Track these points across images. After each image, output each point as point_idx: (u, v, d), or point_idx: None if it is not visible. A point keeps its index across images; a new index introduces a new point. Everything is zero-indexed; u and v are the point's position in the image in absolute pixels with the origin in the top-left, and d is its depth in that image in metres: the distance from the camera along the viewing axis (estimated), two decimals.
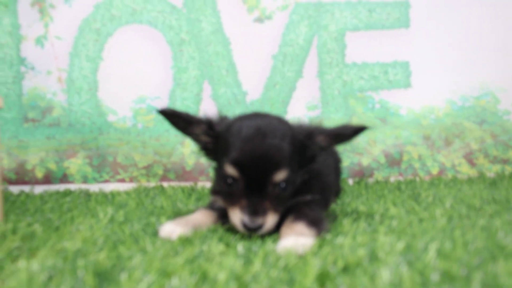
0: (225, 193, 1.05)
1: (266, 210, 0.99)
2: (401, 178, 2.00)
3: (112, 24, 1.97)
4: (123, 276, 0.71)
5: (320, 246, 0.89)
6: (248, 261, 0.79)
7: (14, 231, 1.12)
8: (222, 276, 0.70)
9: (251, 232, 0.99)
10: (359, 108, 2.02)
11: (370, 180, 1.98)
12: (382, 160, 2.01)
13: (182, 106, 1.96)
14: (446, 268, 0.70)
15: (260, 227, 0.98)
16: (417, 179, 1.99)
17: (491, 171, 2.04)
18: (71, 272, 0.73)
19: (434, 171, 2.02)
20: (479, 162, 2.04)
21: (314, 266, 0.73)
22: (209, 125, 1.10)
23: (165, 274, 0.73)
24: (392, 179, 1.99)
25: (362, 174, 2.02)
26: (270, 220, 1.00)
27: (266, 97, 1.99)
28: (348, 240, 0.91)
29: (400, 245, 0.83)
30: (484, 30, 2.05)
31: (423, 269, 0.70)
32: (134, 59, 1.98)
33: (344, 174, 2.00)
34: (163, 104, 1.97)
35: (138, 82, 1.98)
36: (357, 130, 1.08)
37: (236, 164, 0.98)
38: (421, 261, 0.74)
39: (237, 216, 1.00)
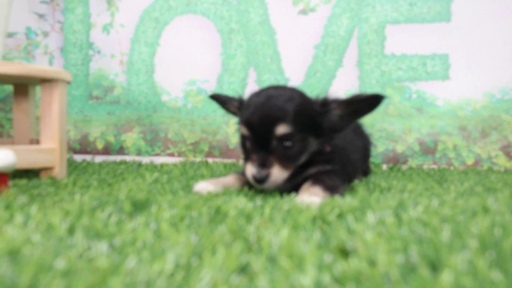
0: (244, 153, 1.20)
1: (272, 163, 1.11)
2: (435, 166, 2.06)
3: (169, 14, 2.17)
4: (154, 208, 0.88)
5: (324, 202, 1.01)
6: (258, 207, 0.93)
7: (74, 183, 1.33)
8: (232, 212, 0.85)
9: (259, 183, 1.11)
10: (396, 97, 2.09)
11: (404, 167, 2.05)
12: (417, 148, 2.08)
13: (228, 89, 2.13)
14: (426, 219, 0.81)
15: (266, 177, 1.10)
16: (451, 168, 2.04)
17: None
18: (113, 203, 0.91)
19: (469, 161, 2.06)
20: None
21: (312, 211, 0.86)
22: (239, 101, 1.29)
23: (187, 208, 0.89)
24: (425, 166, 2.05)
25: (396, 161, 2.09)
26: (276, 172, 1.11)
27: (307, 84, 2.11)
28: (352, 199, 1.02)
29: (393, 202, 0.94)
30: None
31: (406, 218, 0.81)
32: (187, 46, 2.17)
33: (378, 160, 2.09)
34: (212, 87, 2.15)
35: (190, 66, 2.17)
36: (370, 97, 1.14)
37: (246, 123, 1.13)
38: (407, 212, 0.85)
39: (248, 170, 1.13)
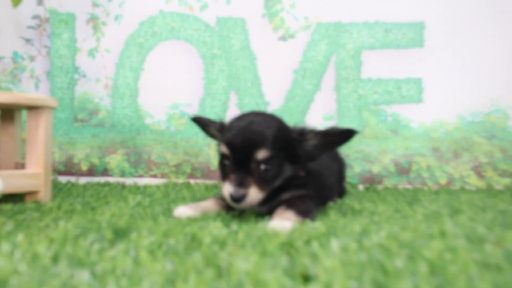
0: (222, 173, 1.25)
1: (249, 184, 1.17)
2: (409, 186, 2.14)
3: (153, 39, 2.24)
4: (134, 235, 0.94)
5: (294, 228, 1.08)
6: (233, 232, 1.00)
7: (59, 207, 1.38)
8: (207, 239, 0.91)
9: (236, 202, 1.17)
10: (372, 120, 2.18)
11: (380, 187, 2.13)
12: (392, 168, 2.16)
13: (210, 112, 2.20)
14: (387, 244, 0.87)
15: (243, 197, 1.16)
16: (425, 187, 2.12)
17: (500, 184, 2.13)
18: (96, 230, 0.96)
19: (443, 181, 2.15)
20: (488, 175, 2.14)
21: (281, 237, 0.92)
22: (220, 124, 1.35)
23: (165, 235, 0.94)
24: (400, 186, 2.13)
25: (372, 181, 2.17)
26: (253, 193, 1.17)
27: (287, 107, 2.19)
28: (321, 225, 1.09)
29: (358, 228, 1.01)
30: (496, 50, 2.15)
31: (368, 244, 0.88)
32: (170, 70, 2.24)
33: (355, 180, 2.16)
34: (194, 110, 2.22)
35: (173, 90, 2.24)
36: (344, 131, 1.24)
37: (228, 143, 1.19)
38: (370, 238, 0.92)
39: (226, 189, 1.19)
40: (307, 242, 0.92)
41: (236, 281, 0.68)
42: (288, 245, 0.90)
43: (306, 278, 0.71)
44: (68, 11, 2.25)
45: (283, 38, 2.22)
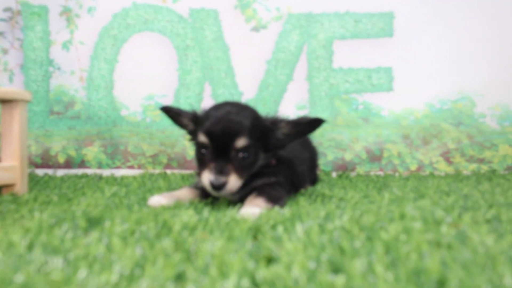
0: (199, 162, 1.28)
1: (229, 171, 1.21)
2: (381, 173, 2.20)
3: (127, 31, 2.26)
4: (107, 223, 0.97)
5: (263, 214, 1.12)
6: (203, 219, 1.04)
7: (35, 199, 1.40)
8: (177, 226, 0.95)
9: (217, 190, 1.20)
10: (344, 108, 2.24)
11: (353, 174, 2.19)
12: (364, 155, 2.23)
13: (185, 103, 2.23)
14: (348, 227, 0.92)
15: (223, 184, 1.20)
16: (396, 174, 2.19)
17: (468, 169, 2.22)
18: (70, 220, 1.00)
19: (413, 167, 2.22)
20: (456, 161, 2.23)
21: (249, 223, 0.97)
22: (193, 114, 1.38)
23: (138, 223, 0.98)
24: (372, 173, 2.20)
25: (345, 168, 2.23)
26: (233, 180, 1.21)
27: (260, 97, 2.23)
28: (288, 210, 1.14)
29: (323, 213, 1.06)
30: (463, 40, 2.22)
31: (330, 227, 0.93)
32: (145, 62, 2.25)
33: (329, 168, 2.22)
34: (169, 101, 2.24)
35: (148, 82, 2.26)
36: (313, 120, 1.30)
37: (207, 133, 1.22)
38: (332, 223, 0.97)
39: (206, 177, 1.22)
40: (273, 226, 0.97)
41: (202, 263, 0.72)
42: (255, 230, 0.94)
43: (269, 260, 0.76)
44: (41, 4, 2.25)
45: (256, 29, 2.25)
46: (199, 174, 1.41)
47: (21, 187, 1.54)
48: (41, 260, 0.73)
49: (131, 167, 2.24)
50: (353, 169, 2.23)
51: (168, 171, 2.21)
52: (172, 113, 1.43)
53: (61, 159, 2.24)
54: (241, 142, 1.22)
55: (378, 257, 0.72)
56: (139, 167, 2.24)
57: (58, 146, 2.24)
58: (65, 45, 2.25)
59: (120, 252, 0.78)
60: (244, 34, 2.25)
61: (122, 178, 2.00)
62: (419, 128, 2.23)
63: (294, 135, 1.35)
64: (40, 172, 2.19)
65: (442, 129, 2.23)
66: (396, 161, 2.22)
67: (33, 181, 1.86)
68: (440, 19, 2.23)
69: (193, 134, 1.40)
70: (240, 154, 1.23)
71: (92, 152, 2.23)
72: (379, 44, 2.24)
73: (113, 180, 1.94)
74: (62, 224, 0.96)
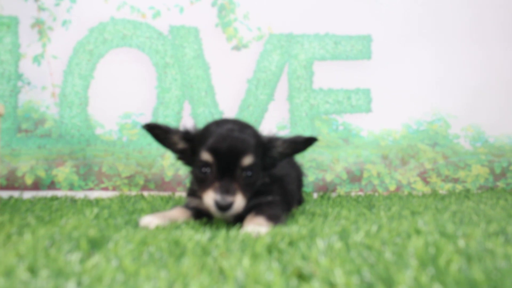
0: (200, 182, 1.21)
1: (236, 190, 1.15)
2: (361, 193, 2.20)
3: (104, 47, 2.17)
4: (110, 244, 0.89)
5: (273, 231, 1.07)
6: (212, 237, 0.97)
7: (11, 221, 1.28)
8: (190, 244, 0.88)
9: (223, 211, 1.14)
10: (324, 129, 2.23)
11: (333, 195, 2.17)
12: (344, 176, 2.22)
13: (164, 122, 2.11)
14: (369, 243, 0.89)
15: (230, 205, 1.14)
16: (376, 194, 2.19)
17: (443, 189, 2.25)
18: (68, 240, 0.90)
19: (392, 187, 2.23)
20: (432, 181, 2.26)
21: (265, 239, 0.91)
22: (185, 131, 1.31)
23: (143, 243, 0.90)
24: (353, 193, 2.19)
25: (325, 189, 2.21)
26: (239, 200, 1.16)
27: (241, 117, 2.18)
28: (301, 227, 1.09)
29: (337, 228, 1.02)
30: (437, 63, 2.30)
31: (351, 243, 0.89)
32: (122, 79, 2.17)
33: (309, 188, 2.20)
34: (147, 120, 2.16)
35: (125, 99, 2.17)
36: (308, 139, 1.30)
37: (211, 150, 1.16)
38: (351, 238, 0.93)
39: (210, 197, 1.16)
40: (291, 243, 0.92)
41: (237, 284, 0.66)
42: (273, 248, 0.89)
43: (302, 277, 0.71)
44: (10, 14, 2.13)
45: (237, 48, 2.23)
46: (192, 194, 1.35)
47: None
48: (51, 285, 0.65)
49: (105, 188, 2.12)
50: (333, 190, 2.21)
51: (145, 193, 2.11)
52: (159, 130, 1.33)
53: (29, 181, 2.09)
54: (247, 160, 1.17)
55: (416, 269, 0.69)
56: (114, 188, 2.13)
57: (26, 166, 2.09)
58: (37, 59, 2.13)
59: (134, 274, 0.70)
60: (225, 52, 2.22)
61: (97, 200, 1.88)
62: (397, 149, 2.25)
63: (287, 154, 1.33)
64: (4, 194, 2.03)
65: (419, 150, 2.26)
66: (376, 181, 2.23)
67: None
68: (415, 43, 2.29)
69: (183, 153, 1.34)
70: (245, 173, 1.18)
71: (63, 172, 2.10)
72: (358, 66, 2.27)
73: (88, 202, 1.82)
74: (61, 245, 0.87)
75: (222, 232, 1.01)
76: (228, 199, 1.14)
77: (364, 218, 1.38)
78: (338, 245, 0.86)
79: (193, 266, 0.74)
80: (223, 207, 1.14)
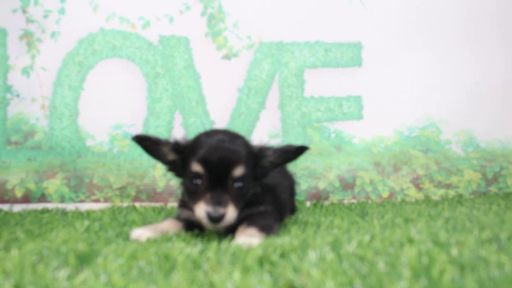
0: (191, 193, 1.20)
1: (227, 202, 1.14)
2: (354, 201, 2.19)
3: (94, 58, 2.16)
4: (100, 259, 0.87)
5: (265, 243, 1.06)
6: (203, 250, 0.96)
7: None
8: (181, 258, 0.87)
9: (215, 223, 1.13)
10: (316, 137, 2.23)
11: (326, 203, 2.17)
12: (337, 184, 2.21)
13: (155, 133, 2.14)
14: (361, 253, 0.88)
15: (222, 216, 1.13)
16: (369, 201, 2.18)
17: (436, 194, 2.25)
18: (56, 256, 0.89)
19: (385, 194, 2.23)
20: (425, 187, 2.26)
21: (257, 252, 0.90)
22: (175, 143, 1.30)
23: (133, 257, 0.89)
24: (346, 201, 2.18)
25: (318, 197, 2.20)
26: (231, 212, 1.15)
27: (232, 126, 2.18)
28: (292, 238, 1.08)
29: (330, 238, 1.01)
30: (427, 69, 2.30)
31: (344, 253, 0.88)
32: (112, 90, 2.16)
33: (302, 197, 2.19)
34: (138, 130, 2.14)
35: (115, 110, 2.16)
36: (299, 148, 1.29)
37: (202, 161, 1.16)
38: (343, 248, 0.92)
39: (201, 209, 1.14)
40: (283, 255, 0.91)
41: None
42: (265, 260, 0.88)
43: None
44: None
45: (227, 57, 2.23)
46: (183, 206, 1.34)
47: None
48: None
49: (97, 200, 2.10)
50: (326, 198, 2.21)
51: (137, 204, 2.09)
52: (148, 142, 1.31)
53: (19, 193, 2.07)
54: (238, 171, 1.16)
55: (409, 280, 0.68)
56: (106, 200, 2.11)
57: (15, 179, 2.07)
58: (25, 71, 2.12)
59: None
60: (216, 62, 2.21)
61: (89, 212, 1.86)
62: (389, 155, 2.25)
63: (278, 163, 1.32)
64: None
65: (412, 156, 2.26)
66: (369, 189, 2.22)
67: None
68: (406, 49, 2.30)
69: (173, 165, 1.33)
70: (237, 184, 1.17)
71: (54, 185, 2.08)
72: (348, 73, 2.27)
73: (79, 214, 1.80)
74: (49, 261, 0.86)
75: (214, 244, 1.00)
76: (220, 210, 1.13)
77: (357, 226, 1.37)
78: (330, 256, 0.85)
79: (183, 280, 0.72)
80: (215, 219, 1.13)
